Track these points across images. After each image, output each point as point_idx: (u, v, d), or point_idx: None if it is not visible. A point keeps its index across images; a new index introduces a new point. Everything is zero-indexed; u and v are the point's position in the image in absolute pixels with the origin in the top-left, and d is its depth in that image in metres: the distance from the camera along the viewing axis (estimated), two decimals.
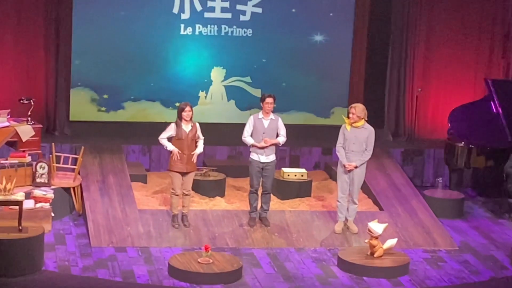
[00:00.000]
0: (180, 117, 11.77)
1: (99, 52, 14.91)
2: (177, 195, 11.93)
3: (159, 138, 11.88)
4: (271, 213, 12.37)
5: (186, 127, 11.79)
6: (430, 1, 15.46)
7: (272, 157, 12.05)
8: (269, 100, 11.93)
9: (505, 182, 13.31)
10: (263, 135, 11.94)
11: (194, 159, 11.84)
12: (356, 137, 11.89)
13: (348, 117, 11.98)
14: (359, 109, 11.87)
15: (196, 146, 11.88)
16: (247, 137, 12.01)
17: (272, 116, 12.02)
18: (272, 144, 11.97)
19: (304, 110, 15.55)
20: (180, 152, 11.72)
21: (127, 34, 14.92)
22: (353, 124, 11.90)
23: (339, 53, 15.59)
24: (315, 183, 13.87)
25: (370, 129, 11.99)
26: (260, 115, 12.04)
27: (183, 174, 11.86)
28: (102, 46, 14.89)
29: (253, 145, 11.96)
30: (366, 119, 11.98)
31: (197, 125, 11.91)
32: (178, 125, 11.78)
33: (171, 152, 11.79)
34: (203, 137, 11.95)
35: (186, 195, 11.99)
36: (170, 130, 11.81)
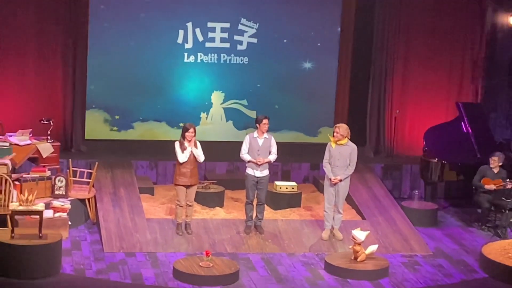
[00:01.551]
0: (183, 136, 11.76)
1: (112, 77, 14.91)
2: (181, 206, 11.90)
3: (180, 161, 11.69)
4: (265, 222, 12.35)
5: (188, 144, 11.76)
6: (408, 33, 15.50)
7: (266, 172, 12.06)
8: (265, 121, 11.94)
9: (474, 194, 13.33)
10: (258, 152, 11.95)
11: (198, 158, 11.74)
12: (340, 154, 11.90)
13: (333, 135, 12.00)
14: (342, 128, 11.89)
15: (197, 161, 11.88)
16: (244, 155, 12.01)
17: (266, 135, 12.03)
18: (265, 163, 12.01)
19: (294, 130, 15.56)
20: (185, 166, 11.70)
21: (137, 61, 14.93)
22: (337, 142, 11.91)
23: (326, 79, 15.61)
24: (304, 195, 13.85)
25: (353, 147, 11.99)
26: (255, 134, 12.04)
27: (187, 187, 11.85)
28: (114, 72, 14.89)
29: (249, 161, 11.97)
30: (349, 137, 11.99)
31: (198, 144, 11.89)
32: (181, 144, 11.77)
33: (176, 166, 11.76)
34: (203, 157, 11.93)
35: (190, 206, 11.97)
36: (178, 149, 11.78)
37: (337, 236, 12.15)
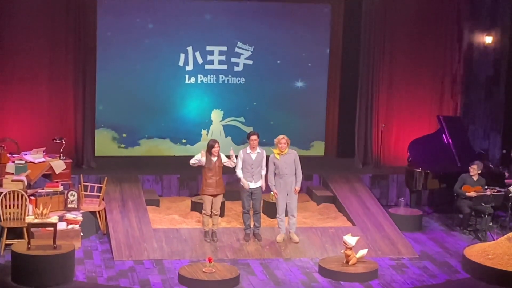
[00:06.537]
0: (210, 152, 11.74)
1: (119, 99, 14.94)
2: (207, 215, 11.86)
3: (190, 163, 11.75)
4: (262, 230, 12.34)
5: (213, 158, 11.78)
6: (392, 53, 15.53)
7: (259, 183, 12.02)
8: (253, 137, 11.90)
9: (455, 200, 13.34)
10: (251, 166, 11.92)
11: (231, 163, 11.75)
12: (286, 162, 11.85)
13: (278, 148, 11.89)
14: (286, 138, 11.82)
15: (222, 172, 11.86)
16: (238, 170, 11.95)
17: (258, 149, 11.99)
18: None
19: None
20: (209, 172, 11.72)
21: (142, 83, 14.97)
22: (282, 152, 11.84)
23: (317, 96, 15.65)
24: (298, 204, 13.79)
25: (295, 153, 11.99)
26: (248, 150, 12.00)
27: (213, 196, 11.83)
28: (121, 94, 14.93)
29: (241, 181, 11.89)
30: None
31: (222, 155, 11.89)
32: (207, 158, 11.75)
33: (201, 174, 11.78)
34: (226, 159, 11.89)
35: (215, 214, 11.91)
36: (198, 156, 11.76)
37: (293, 239, 12.10)
